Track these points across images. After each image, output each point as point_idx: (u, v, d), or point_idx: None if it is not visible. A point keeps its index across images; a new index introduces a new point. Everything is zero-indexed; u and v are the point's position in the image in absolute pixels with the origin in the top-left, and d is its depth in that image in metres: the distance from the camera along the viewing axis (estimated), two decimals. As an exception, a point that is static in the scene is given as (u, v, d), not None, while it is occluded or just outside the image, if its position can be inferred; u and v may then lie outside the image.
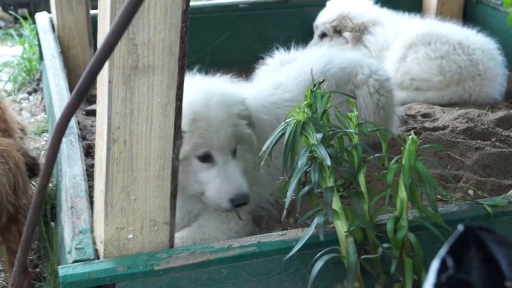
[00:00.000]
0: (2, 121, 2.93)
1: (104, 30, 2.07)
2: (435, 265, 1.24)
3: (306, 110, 2.25)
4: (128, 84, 2.03)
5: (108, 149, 2.07)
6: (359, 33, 4.60)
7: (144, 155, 2.10)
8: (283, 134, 2.23)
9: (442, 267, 1.24)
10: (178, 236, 2.57)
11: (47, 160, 1.83)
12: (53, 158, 1.84)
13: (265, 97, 2.99)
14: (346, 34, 4.64)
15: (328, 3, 4.85)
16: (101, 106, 2.11)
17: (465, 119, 3.68)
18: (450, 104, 4.11)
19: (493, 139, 3.43)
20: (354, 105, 2.43)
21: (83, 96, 1.71)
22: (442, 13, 4.98)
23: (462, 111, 3.83)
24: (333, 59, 3.26)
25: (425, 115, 3.91)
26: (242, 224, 2.72)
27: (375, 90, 3.22)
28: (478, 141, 3.37)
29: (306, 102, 2.27)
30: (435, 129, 3.58)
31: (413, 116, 3.87)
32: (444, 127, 3.59)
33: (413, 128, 3.58)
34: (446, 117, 3.76)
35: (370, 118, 3.19)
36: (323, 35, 4.77)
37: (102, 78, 2.05)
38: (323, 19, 4.78)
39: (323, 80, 2.35)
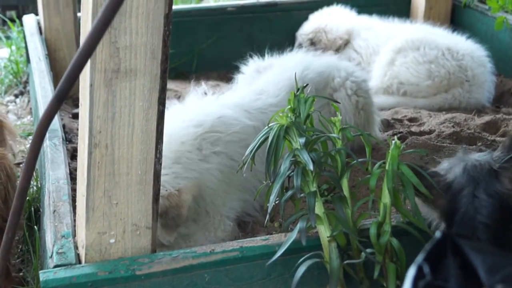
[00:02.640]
0: None
1: (85, 33, 2.06)
2: (411, 272, 1.23)
3: (289, 115, 2.25)
4: (110, 87, 2.02)
5: (90, 153, 2.05)
6: (334, 48, 4.62)
7: (126, 159, 2.09)
8: (266, 138, 2.23)
9: (419, 274, 1.23)
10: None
11: (27, 163, 1.82)
12: (33, 162, 1.83)
13: (248, 103, 2.99)
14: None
15: (310, 16, 4.87)
16: (83, 109, 2.10)
17: (451, 124, 3.69)
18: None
19: (479, 144, 3.44)
20: (338, 109, 2.43)
21: (63, 99, 1.70)
22: (430, 17, 4.98)
23: (449, 115, 3.84)
24: (310, 64, 3.26)
25: (411, 119, 3.91)
26: (229, 231, 2.71)
27: (353, 92, 3.23)
28: (464, 146, 3.37)
29: (289, 107, 2.26)
30: (421, 133, 3.58)
31: (400, 120, 3.88)
32: (430, 132, 3.59)
33: (400, 133, 3.58)
34: (433, 122, 3.76)
35: (350, 120, 3.20)
36: (300, 46, 4.78)
37: (84, 81, 2.04)
38: (302, 30, 4.81)
39: (307, 85, 2.35)
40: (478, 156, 2.21)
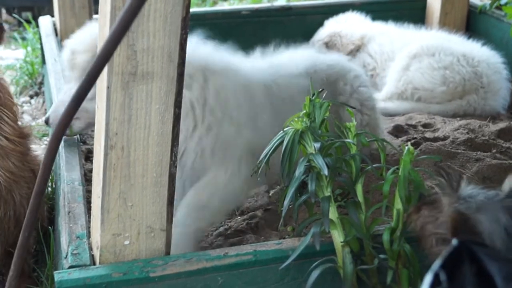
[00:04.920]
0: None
1: (103, 36, 2.07)
2: (428, 279, 1.24)
3: (304, 119, 2.25)
4: (127, 90, 2.03)
5: (106, 155, 2.07)
6: (346, 53, 4.62)
7: (142, 161, 2.10)
8: (281, 142, 2.23)
9: (435, 281, 1.24)
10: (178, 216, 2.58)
11: (44, 165, 1.83)
12: (50, 163, 1.84)
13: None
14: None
15: (325, 22, 4.87)
16: (99, 111, 2.11)
17: (466, 130, 3.68)
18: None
19: (494, 151, 3.42)
20: (353, 115, 2.43)
21: (81, 101, 1.71)
22: (445, 23, 4.97)
23: (463, 121, 3.82)
24: (320, 57, 3.23)
25: (426, 125, 3.90)
26: (243, 182, 2.69)
27: (357, 110, 3.17)
28: (479, 153, 3.37)
29: (304, 111, 2.27)
30: (435, 139, 3.57)
31: (414, 126, 3.87)
32: (444, 138, 3.58)
33: (414, 138, 3.57)
34: (447, 128, 3.75)
35: None
36: None
37: (101, 83, 2.05)
38: (317, 36, 4.82)
39: (322, 90, 2.35)
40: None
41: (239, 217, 2.91)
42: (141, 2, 1.56)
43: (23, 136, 2.72)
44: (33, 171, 2.73)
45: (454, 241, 1.30)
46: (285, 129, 2.26)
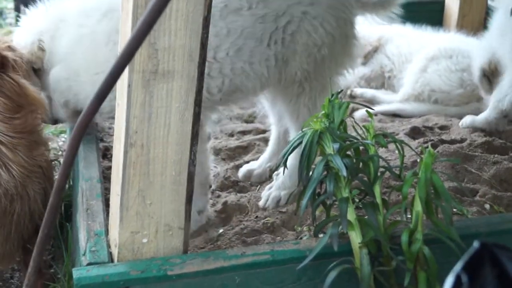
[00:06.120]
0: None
1: (125, 33, 2.08)
2: (449, 281, 1.23)
3: (323, 120, 2.25)
4: (148, 88, 2.04)
5: (125, 152, 2.08)
6: (369, 53, 4.61)
7: (161, 159, 2.11)
8: (300, 143, 2.23)
9: (457, 283, 1.23)
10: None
11: (65, 162, 1.84)
12: (71, 160, 1.85)
13: None
14: None
15: None
16: (119, 109, 2.12)
17: (483, 133, 3.66)
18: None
19: (511, 154, 3.41)
20: (372, 117, 2.43)
21: (103, 99, 1.72)
22: (463, 25, 4.95)
23: (481, 124, 3.81)
24: None
25: (442, 127, 3.89)
26: None
27: None
28: (496, 155, 3.35)
29: (323, 112, 2.27)
30: (452, 141, 3.56)
31: (431, 128, 3.86)
32: (461, 140, 3.57)
33: (431, 140, 3.56)
34: (464, 130, 3.74)
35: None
36: None
37: (122, 81, 2.06)
38: None
39: (341, 90, 2.36)
40: None
41: (255, 217, 2.91)
42: (166, 2, 1.56)
43: (24, 131, 2.70)
44: (40, 167, 2.73)
45: (476, 243, 1.30)
46: (303, 130, 2.26)
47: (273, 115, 3.27)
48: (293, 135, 3.00)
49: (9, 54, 2.76)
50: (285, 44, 2.83)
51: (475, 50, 4.05)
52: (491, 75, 3.83)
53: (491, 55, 3.77)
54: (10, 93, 2.67)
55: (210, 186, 3.08)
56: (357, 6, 3.05)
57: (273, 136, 3.32)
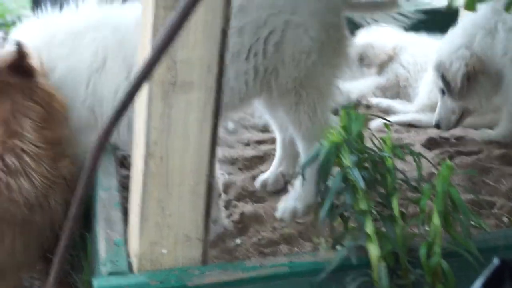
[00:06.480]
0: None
1: (145, 45, 2.10)
2: (470, 297, 1.24)
3: (341, 132, 2.26)
4: (167, 100, 2.06)
5: (145, 163, 2.09)
6: (378, 63, 4.62)
7: (179, 170, 2.13)
8: (318, 155, 2.24)
9: (477, 300, 1.24)
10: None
11: (87, 172, 1.85)
12: (94, 169, 1.86)
13: None
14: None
15: (357, 32, 4.87)
16: (139, 120, 2.14)
17: (500, 144, 3.65)
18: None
19: (529, 166, 3.40)
20: (389, 128, 2.43)
21: (125, 111, 1.74)
22: (478, 35, 4.92)
23: (498, 135, 3.79)
24: None
25: (459, 138, 3.88)
26: None
27: None
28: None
29: (341, 124, 2.27)
30: (469, 153, 3.55)
31: (447, 139, 3.85)
32: (478, 152, 3.56)
33: (447, 152, 3.56)
34: (481, 141, 3.73)
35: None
36: None
37: (141, 93, 2.08)
38: None
39: (357, 101, 2.36)
40: None
41: (272, 227, 2.92)
42: (186, 17, 1.58)
43: (51, 141, 2.72)
44: (64, 178, 2.75)
45: (496, 260, 1.30)
46: (321, 142, 2.26)
47: (274, 122, 3.29)
48: (300, 145, 3.03)
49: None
50: (267, 55, 2.81)
51: None
52: None
53: None
54: (41, 100, 2.69)
55: (220, 195, 3.09)
56: (345, 8, 3.03)
57: (278, 142, 3.36)
